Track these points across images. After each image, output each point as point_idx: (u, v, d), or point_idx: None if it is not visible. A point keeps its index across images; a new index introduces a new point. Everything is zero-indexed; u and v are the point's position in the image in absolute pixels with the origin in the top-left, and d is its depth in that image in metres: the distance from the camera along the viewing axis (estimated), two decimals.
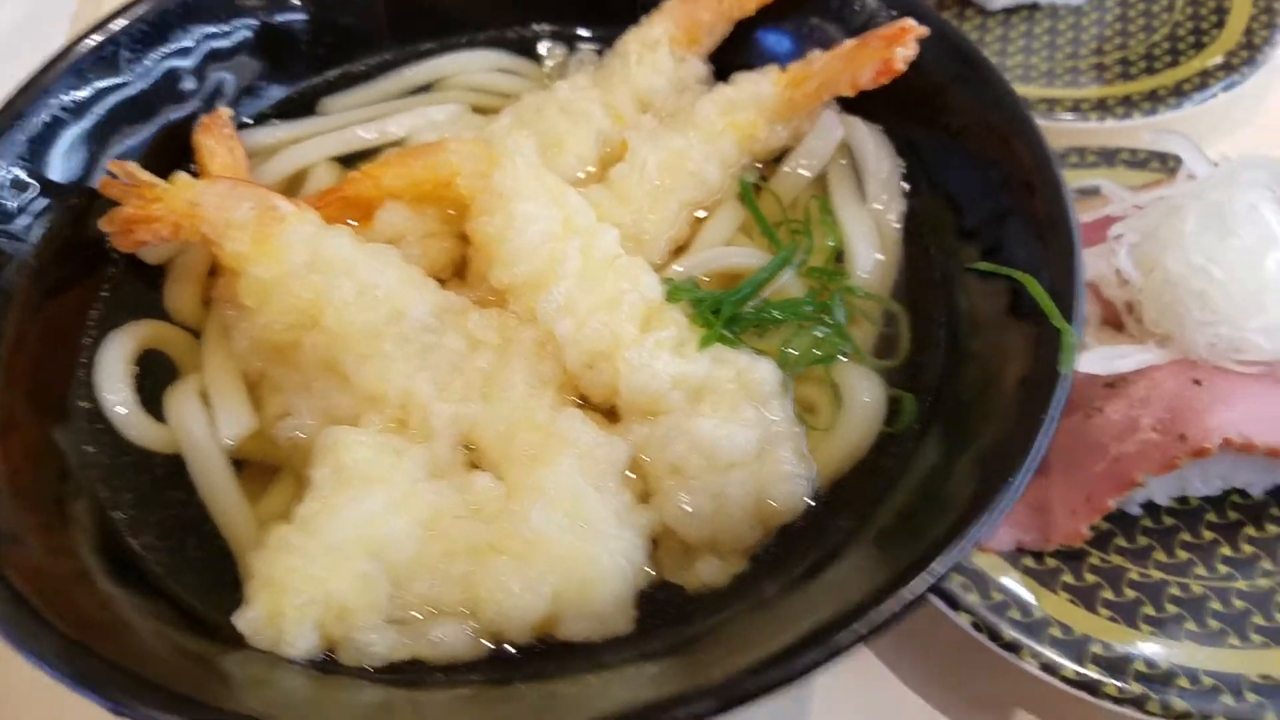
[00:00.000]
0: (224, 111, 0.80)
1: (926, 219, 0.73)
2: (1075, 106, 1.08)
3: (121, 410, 0.66)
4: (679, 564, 0.59)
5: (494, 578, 0.54)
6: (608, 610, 0.55)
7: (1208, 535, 0.81)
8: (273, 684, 0.52)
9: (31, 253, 0.69)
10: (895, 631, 0.81)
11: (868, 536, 0.55)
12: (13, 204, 0.69)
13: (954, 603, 0.77)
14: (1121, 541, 0.81)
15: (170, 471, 0.64)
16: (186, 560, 0.60)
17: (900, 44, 0.70)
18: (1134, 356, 0.79)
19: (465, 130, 0.78)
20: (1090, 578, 0.79)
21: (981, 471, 0.53)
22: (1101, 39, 1.20)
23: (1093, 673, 0.73)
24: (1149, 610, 0.77)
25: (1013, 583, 0.78)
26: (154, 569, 0.59)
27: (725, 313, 0.66)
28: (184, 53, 0.80)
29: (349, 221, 0.71)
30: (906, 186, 0.75)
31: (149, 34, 0.78)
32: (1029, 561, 0.80)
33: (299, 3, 0.84)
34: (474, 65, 0.86)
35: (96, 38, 0.75)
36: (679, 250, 0.74)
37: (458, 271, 0.72)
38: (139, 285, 0.73)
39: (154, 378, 0.70)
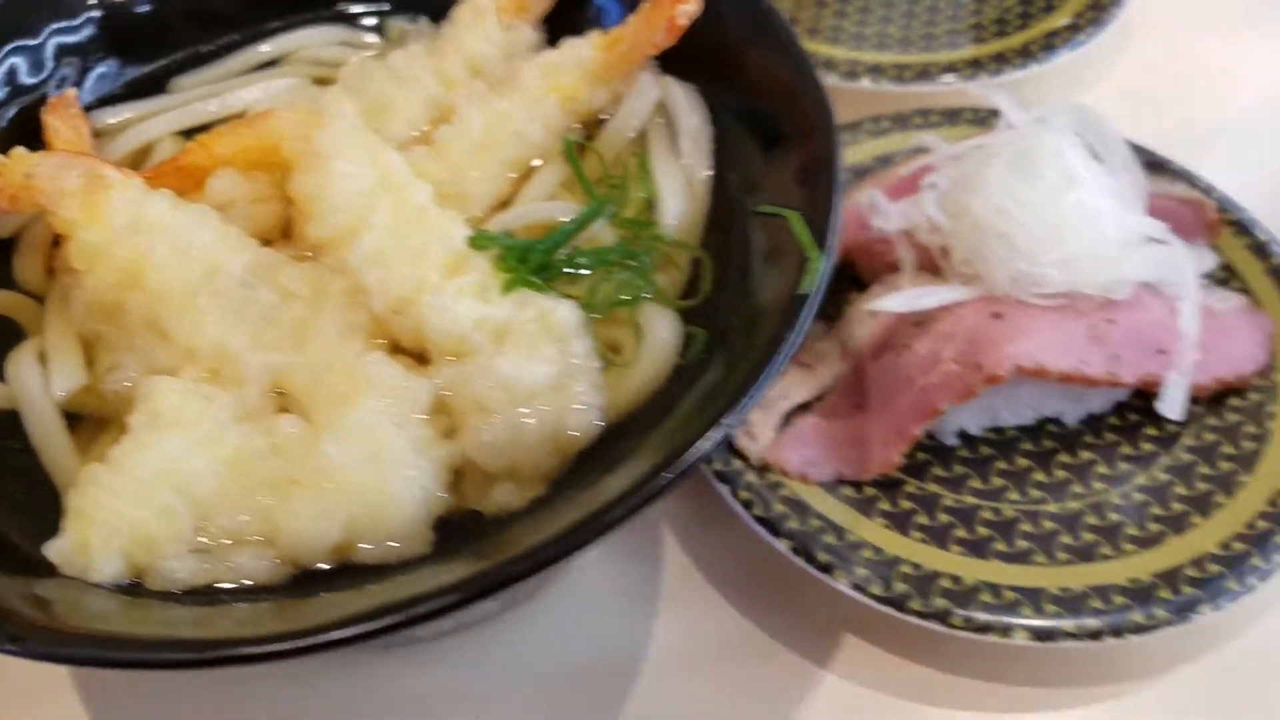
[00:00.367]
0: (70, 93, 0.83)
1: (730, 170, 0.78)
2: (924, 71, 1.13)
3: None
4: (479, 491, 0.64)
5: (289, 508, 0.59)
6: (403, 534, 0.60)
7: (1022, 463, 0.87)
8: (83, 606, 0.56)
9: None
10: (732, 565, 0.87)
11: (646, 447, 0.60)
12: None
13: (775, 530, 0.82)
14: (939, 471, 0.87)
15: (7, 425, 0.68)
16: (15, 503, 0.64)
17: (682, 2, 0.75)
18: (937, 295, 0.84)
19: (303, 101, 0.82)
20: (906, 504, 0.84)
21: (740, 382, 0.58)
22: (958, 5, 1.25)
23: (900, 590, 0.78)
24: (960, 533, 0.82)
25: (831, 510, 0.83)
26: None
27: (532, 260, 0.70)
28: (32, 39, 0.84)
29: (186, 190, 0.75)
30: (714, 142, 0.80)
31: None
32: (849, 491, 0.85)
33: None
34: (318, 40, 0.90)
35: None
36: (504, 206, 0.79)
37: (285, 233, 0.76)
38: None
39: (5, 344, 0.74)
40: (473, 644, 0.84)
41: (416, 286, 0.66)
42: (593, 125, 0.84)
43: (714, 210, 0.78)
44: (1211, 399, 0.88)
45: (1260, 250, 0.96)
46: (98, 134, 0.84)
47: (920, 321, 0.85)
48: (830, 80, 1.13)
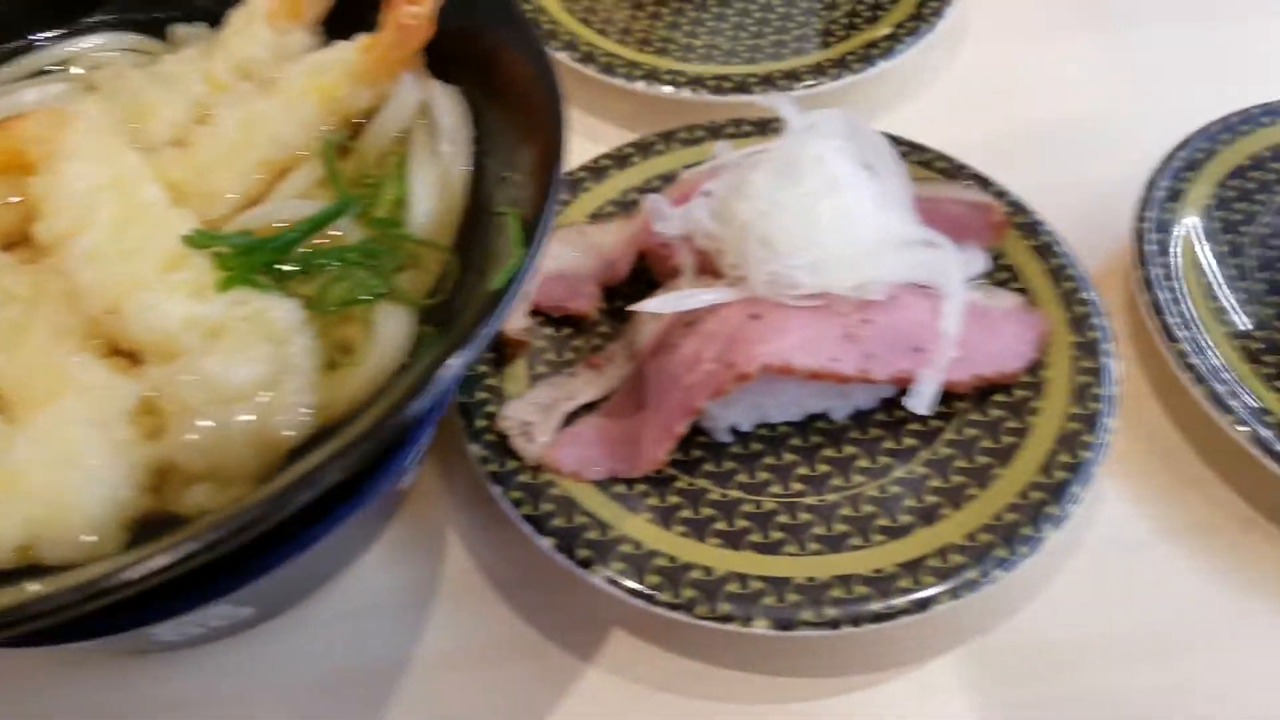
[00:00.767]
0: None
1: (485, 170, 0.80)
2: (742, 83, 1.16)
3: None
4: (178, 493, 0.64)
5: None
6: (91, 534, 0.61)
7: (789, 457, 0.89)
8: None
9: None
10: (509, 566, 0.88)
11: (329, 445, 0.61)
12: None
13: (541, 527, 0.83)
14: (710, 466, 0.89)
15: None
16: None
17: (411, 3, 0.77)
18: (699, 297, 0.86)
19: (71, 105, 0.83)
20: (673, 499, 0.86)
21: (416, 379, 0.59)
22: (787, 19, 1.27)
23: (652, 583, 0.80)
24: (720, 525, 0.84)
25: (599, 507, 0.85)
26: None
27: (258, 258, 0.72)
28: None
29: None
30: (474, 143, 0.82)
31: None
32: (621, 488, 0.87)
33: None
34: (100, 46, 0.91)
35: None
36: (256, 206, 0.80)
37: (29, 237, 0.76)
38: None
39: None
40: (238, 649, 0.84)
41: (130, 285, 0.67)
42: (360, 126, 0.85)
43: (469, 210, 0.79)
44: (979, 395, 0.91)
45: (1042, 251, 0.99)
46: None
47: (691, 322, 0.87)
48: (644, 88, 1.15)
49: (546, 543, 0.83)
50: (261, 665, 0.84)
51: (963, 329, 0.88)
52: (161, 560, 0.52)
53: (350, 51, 0.83)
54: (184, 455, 0.64)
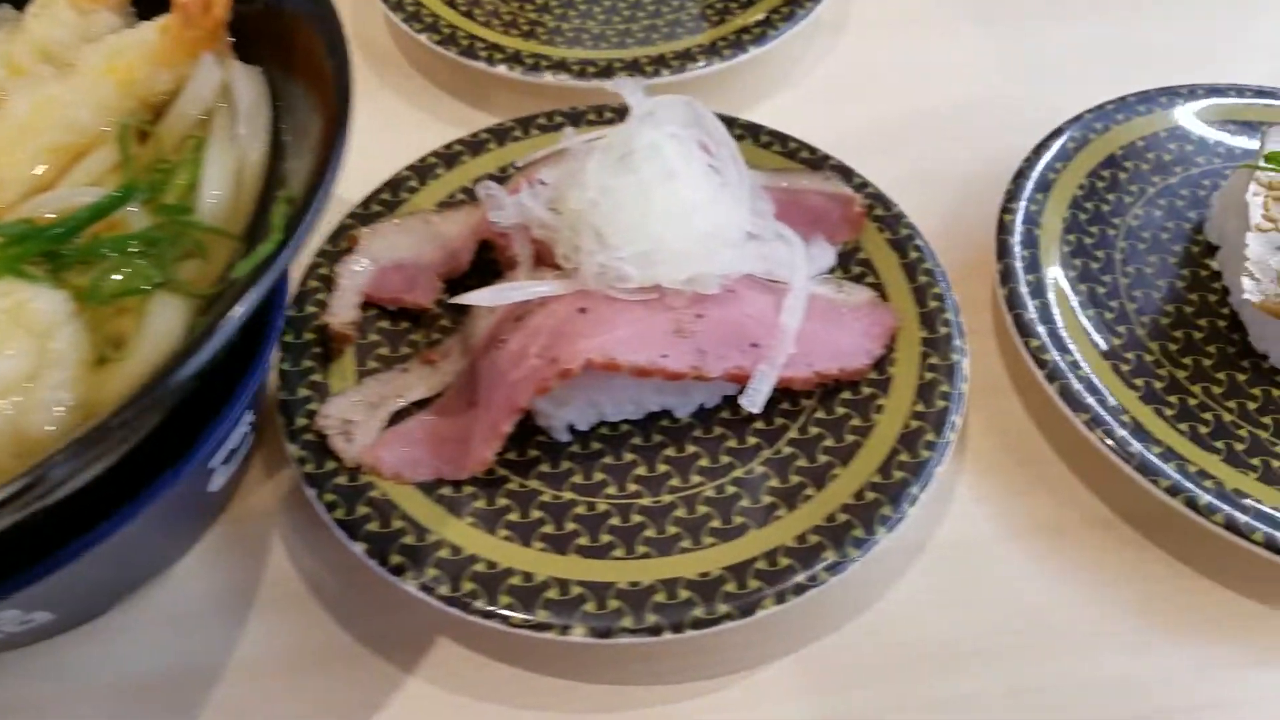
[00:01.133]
0: None
1: (282, 153, 0.75)
2: (607, 68, 1.12)
3: None
4: None
5: None
6: None
7: (628, 457, 0.85)
8: None
9: None
10: (333, 572, 0.84)
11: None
12: None
13: (354, 533, 0.79)
14: (545, 467, 0.85)
15: None
16: None
17: None
18: (528, 289, 0.82)
19: None
20: (502, 502, 0.82)
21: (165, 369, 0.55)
22: (661, 2, 1.24)
23: (466, 590, 0.76)
24: (548, 529, 0.81)
25: (419, 511, 0.81)
26: None
27: (32, 248, 0.67)
28: None
29: None
30: (273, 123, 0.77)
31: None
32: (447, 490, 0.83)
33: None
34: None
35: None
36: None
37: None
38: None
39: None
40: (48, 655, 0.80)
41: None
42: (163, 110, 0.81)
43: (264, 194, 0.75)
44: (827, 393, 0.88)
45: (898, 245, 0.96)
46: None
47: (521, 316, 0.83)
48: (505, 72, 1.11)
49: (359, 548, 0.78)
50: (72, 671, 0.80)
51: (805, 324, 0.84)
52: None
53: (150, 32, 0.79)
54: None
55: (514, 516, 0.81)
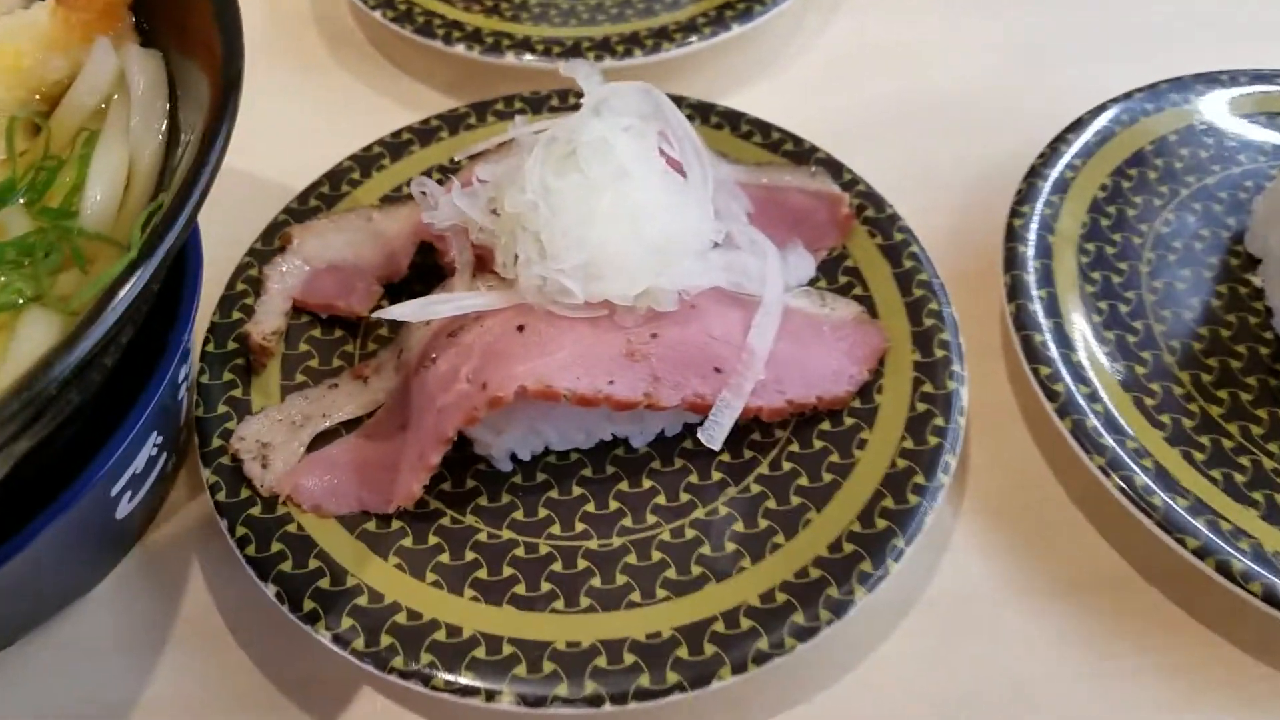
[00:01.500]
0: None
1: (177, 148, 0.66)
2: (575, 47, 1.02)
3: None
4: None
5: None
6: None
7: (577, 491, 0.76)
8: None
9: None
10: (254, 609, 0.75)
11: None
12: None
13: (264, 572, 0.71)
14: (483, 501, 0.76)
15: None
16: None
17: None
18: (456, 302, 0.73)
19: None
20: (433, 539, 0.73)
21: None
22: None
23: (385, 645, 0.67)
24: (481, 574, 0.72)
25: (338, 549, 0.72)
26: None
27: None
28: None
29: None
30: (171, 114, 0.68)
31: None
32: (372, 525, 0.74)
33: None
34: None
35: None
36: None
37: None
38: None
39: None
40: None
41: None
42: (59, 100, 0.72)
43: (156, 195, 0.66)
44: (804, 423, 0.78)
45: (891, 252, 0.85)
46: None
47: (454, 332, 0.74)
48: (463, 51, 1.01)
49: (270, 590, 0.70)
50: None
51: (779, 345, 0.75)
52: None
53: (40, 14, 0.70)
54: None
55: (445, 558, 0.72)
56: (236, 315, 0.83)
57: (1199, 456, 0.75)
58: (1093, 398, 0.77)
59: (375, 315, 0.76)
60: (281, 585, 0.70)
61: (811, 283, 0.84)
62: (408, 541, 0.73)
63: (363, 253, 0.85)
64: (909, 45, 1.13)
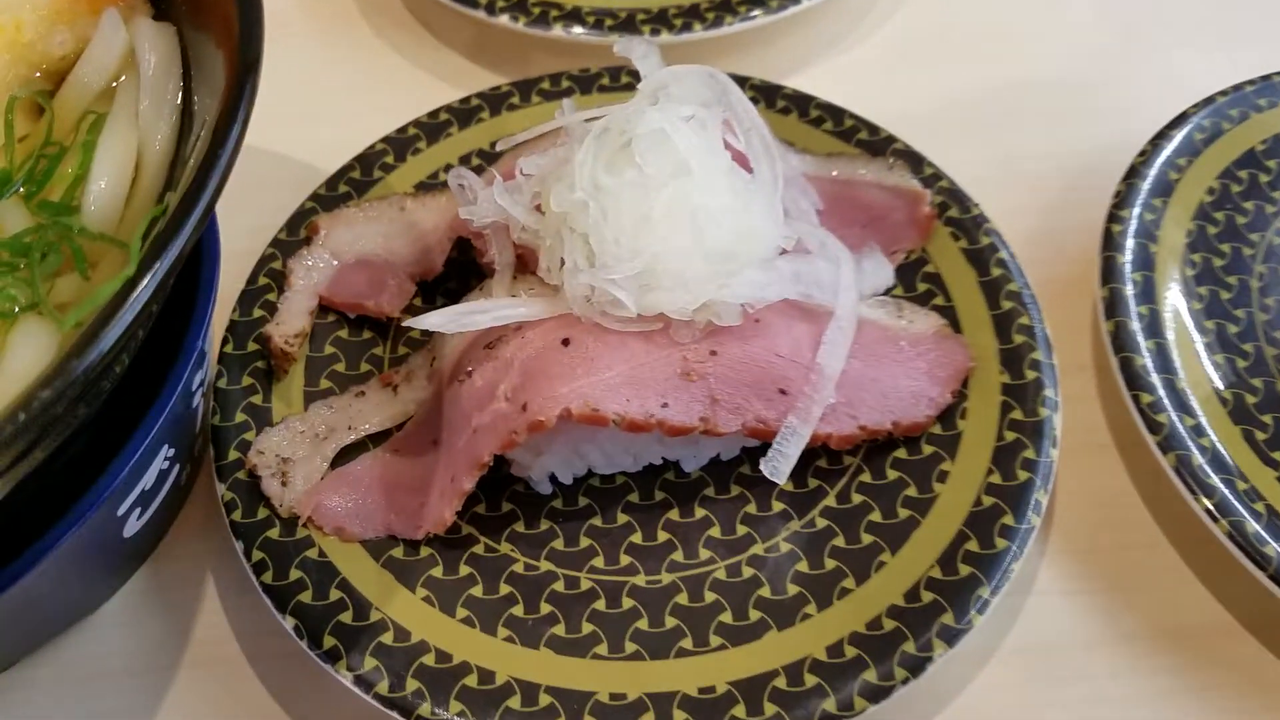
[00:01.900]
0: None
1: (189, 137, 0.60)
2: (629, 20, 0.93)
3: None
4: None
5: None
6: None
7: (622, 519, 0.69)
8: None
9: None
10: (270, 635, 0.70)
11: None
12: None
13: (283, 604, 0.65)
14: (520, 526, 0.69)
15: None
16: None
17: None
18: (494, 311, 0.65)
19: None
20: (465, 569, 0.67)
21: None
22: None
23: (412, 690, 0.61)
24: (517, 611, 0.65)
25: (363, 578, 0.66)
26: None
27: None
28: None
29: None
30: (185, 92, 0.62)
31: None
32: (399, 552, 0.68)
33: None
34: None
35: None
36: None
37: None
38: None
39: None
40: None
41: None
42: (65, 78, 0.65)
43: (168, 186, 0.59)
44: (875, 449, 0.70)
45: (977, 258, 0.77)
46: None
47: (492, 343, 0.67)
48: (506, 23, 0.93)
49: (288, 624, 0.64)
50: None
51: (851, 363, 0.67)
52: None
53: None
54: None
55: (477, 591, 0.66)
56: (258, 313, 0.76)
57: None
58: (1199, 431, 0.69)
59: (404, 324, 0.69)
60: (301, 618, 0.64)
61: (887, 291, 0.76)
62: (438, 571, 0.67)
63: (395, 246, 0.78)
64: (996, 25, 1.03)
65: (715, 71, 0.69)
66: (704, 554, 0.67)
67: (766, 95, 0.86)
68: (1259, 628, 0.68)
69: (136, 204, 0.59)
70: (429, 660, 0.62)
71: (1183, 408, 0.69)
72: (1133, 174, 0.81)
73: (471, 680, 0.61)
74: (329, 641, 0.63)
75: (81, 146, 0.61)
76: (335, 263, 0.77)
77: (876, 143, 0.82)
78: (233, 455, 0.70)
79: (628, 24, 0.92)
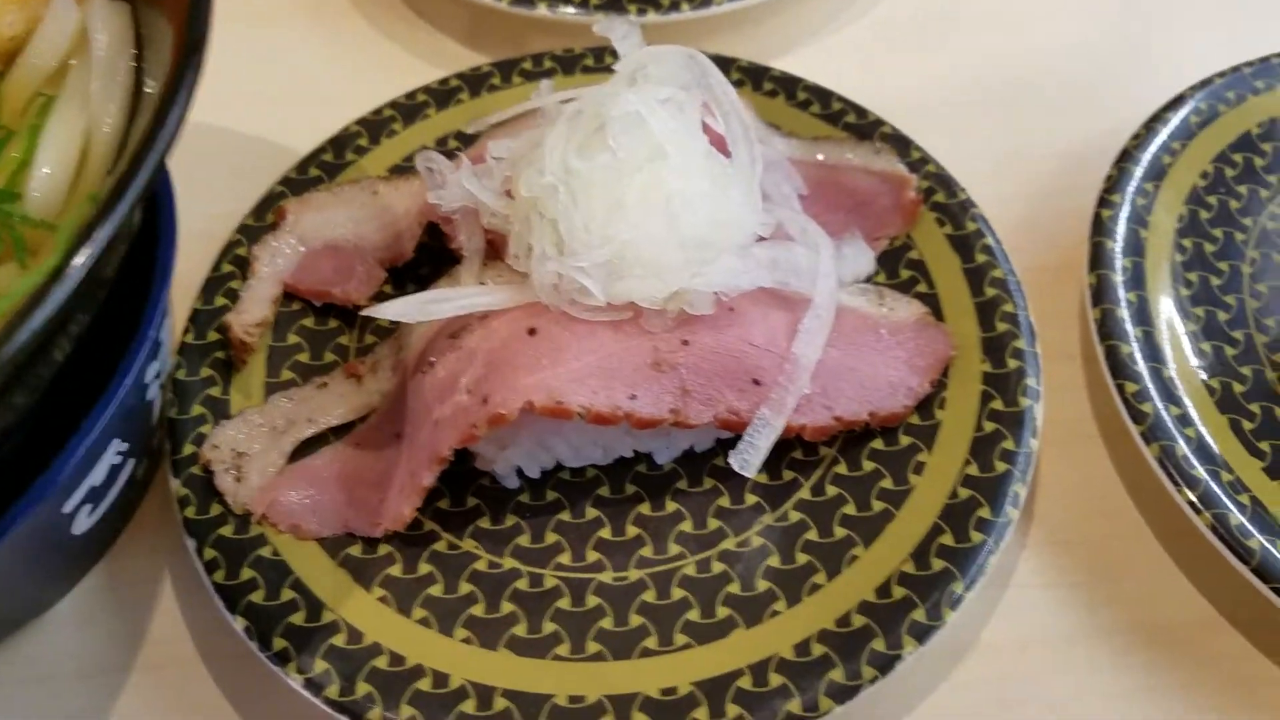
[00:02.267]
0: None
1: (139, 119, 0.58)
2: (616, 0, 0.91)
3: None
4: None
5: None
6: None
7: (591, 513, 0.67)
8: None
9: None
10: (228, 634, 0.67)
11: None
12: None
13: (234, 603, 0.63)
14: (485, 522, 0.67)
15: None
16: None
17: None
18: (458, 299, 0.63)
19: None
20: (425, 568, 0.65)
21: None
22: None
23: (362, 694, 0.59)
24: (477, 610, 0.63)
25: (317, 577, 0.64)
26: None
27: None
28: None
29: None
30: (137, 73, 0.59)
31: None
32: (357, 550, 0.66)
33: None
34: None
35: None
36: None
37: None
38: None
39: None
40: None
41: None
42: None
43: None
44: (852, 439, 0.68)
45: (962, 244, 0.74)
46: None
47: (455, 333, 0.65)
48: (501, 5, 0.91)
49: (239, 625, 0.62)
50: None
51: (828, 352, 0.65)
52: None
53: None
54: None
55: (436, 590, 0.64)
56: (221, 301, 0.74)
57: None
58: (1184, 420, 0.67)
59: (365, 313, 0.66)
60: (252, 619, 0.62)
61: (870, 278, 0.74)
62: (396, 570, 0.65)
63: (364, 231, 0.76)
64: (988, 6, 1.01)
65: (695, 53, 0.66)
66: (674, 549, 0.65)
67: (753, 77, 0.84)
68: (1243, 622, 0.66)
69: (82, 189, 0.57)
70: (382, 663, 0.60)
71: (1169, 397, 0.67)
72: (1125, 157, 0.78)
73: (425, 684, 0.59)
74: (279, 643, 0.61)
75: (28, 131, 0.58)
76: (302, 249, 0.75)
77: (864, 125, 0.80)
78: (189, 449, 0.68)
79: (615, 3, 0.90)
